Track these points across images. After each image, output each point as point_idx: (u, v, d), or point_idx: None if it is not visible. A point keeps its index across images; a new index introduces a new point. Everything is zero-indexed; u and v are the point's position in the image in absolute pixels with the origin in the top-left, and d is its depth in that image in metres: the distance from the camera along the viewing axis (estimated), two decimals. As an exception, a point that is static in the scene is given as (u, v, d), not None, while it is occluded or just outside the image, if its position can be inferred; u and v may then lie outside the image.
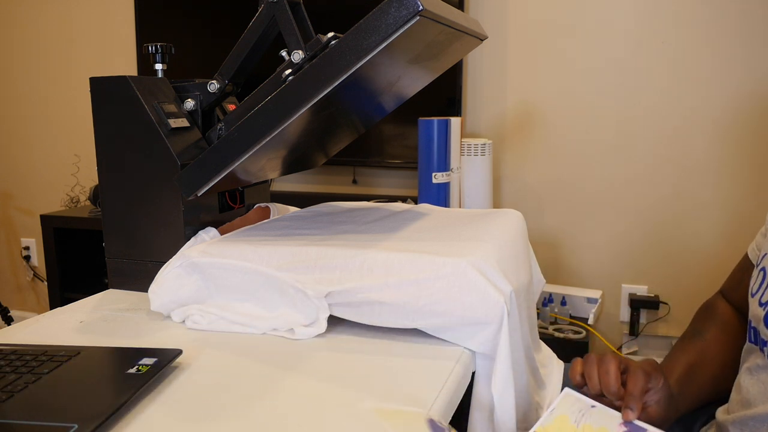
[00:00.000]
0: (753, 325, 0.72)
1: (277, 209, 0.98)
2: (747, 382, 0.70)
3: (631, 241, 1.84)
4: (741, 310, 0.84)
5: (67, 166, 2.36)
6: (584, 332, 1.62)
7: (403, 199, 1.73)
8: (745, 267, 0.84)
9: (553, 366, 0.85)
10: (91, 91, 0.82)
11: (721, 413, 0.75)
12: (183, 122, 0.84)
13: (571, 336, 1.60)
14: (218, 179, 0.71)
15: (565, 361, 0.89)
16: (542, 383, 0.79)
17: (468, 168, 1.58)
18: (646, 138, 1.78)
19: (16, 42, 2.47)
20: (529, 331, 0.75)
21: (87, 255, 2.08)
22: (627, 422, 0.62)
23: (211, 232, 0.82)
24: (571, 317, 1.72)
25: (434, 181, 1.38)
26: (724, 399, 0.78)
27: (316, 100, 0.65)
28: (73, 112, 2.42)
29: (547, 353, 0.87)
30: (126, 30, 2.25)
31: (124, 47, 2.28)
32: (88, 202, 2.18)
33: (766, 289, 0.71)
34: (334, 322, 0.68)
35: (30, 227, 2.57)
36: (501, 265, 0.66)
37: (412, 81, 0.86)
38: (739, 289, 0.84)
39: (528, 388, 0.70)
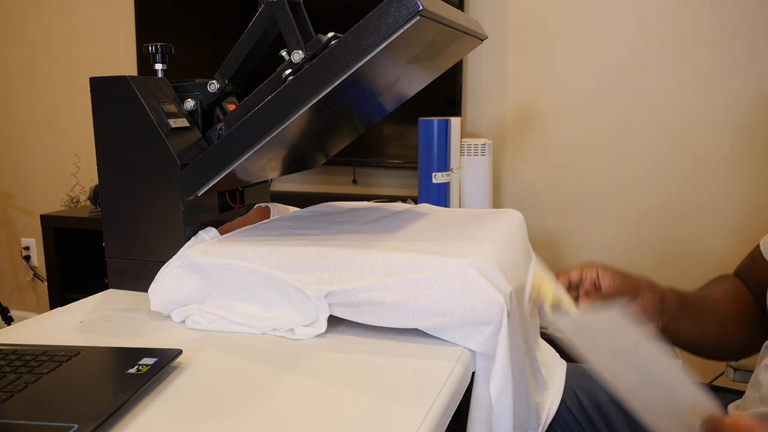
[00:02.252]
0: None
1: (277, 209, 0.98)
2: (766, 379, 0.70)
3: (631, 241, 1.84)
4: (751, 291, 0.86)
5: (67, 166, 2.35)
6: (584, 332, 1.61)
7: (403, 199, 1.73)
8: (754, 256, 0.85)
9: (555, 365, 0.85)
10: (91, 91, 0.82)
11: (734, 409, 0.75)
12: (183, 122, 0.84)
13: (571, 336, 1.59)
14: (218, 179, 0.71)
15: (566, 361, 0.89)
16: (543, 384, 0.79)
17: (468, 168, 1.58)
18: (646, 138, 1.78)
19: (16, 42, 2.47)
20: (530, 331, 0.75)
21: (87, 255, 2.08)
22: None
23: (211, 232, 0.82)
24: (571, 317, 1.71)
25: (434, 181, 1.38)
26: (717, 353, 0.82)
27: (316, 100, 0.65)
28: (73, 112, 2.42)
29: (549, 352, 0.87)
30: (126, 30, 2.25)
31: (124, 47, 2.28)
32: (88, 202, 2.17)
33: None
34: (334, 322, 0.68)
35: (30, 227, 2.57)
36: (501, 265, 0.66)
37: (412, 81, 0.86)
38: (749, 275, 0.86)
39: (527, 389, 0.70)
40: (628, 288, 0.75)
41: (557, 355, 0.88)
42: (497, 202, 1.95)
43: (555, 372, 0.84)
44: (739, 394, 0.83)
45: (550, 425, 0.83)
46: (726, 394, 0.85)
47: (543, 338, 0.89)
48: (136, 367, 0.55)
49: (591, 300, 0.72)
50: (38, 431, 0.45)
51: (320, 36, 0.79)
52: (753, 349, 0.81)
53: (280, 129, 0.67)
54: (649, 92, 1.76)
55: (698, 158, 1.74)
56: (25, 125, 2.52)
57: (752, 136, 1.69)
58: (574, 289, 0.77)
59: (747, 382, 1.07)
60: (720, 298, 0.85)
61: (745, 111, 1.69)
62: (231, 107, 0.93)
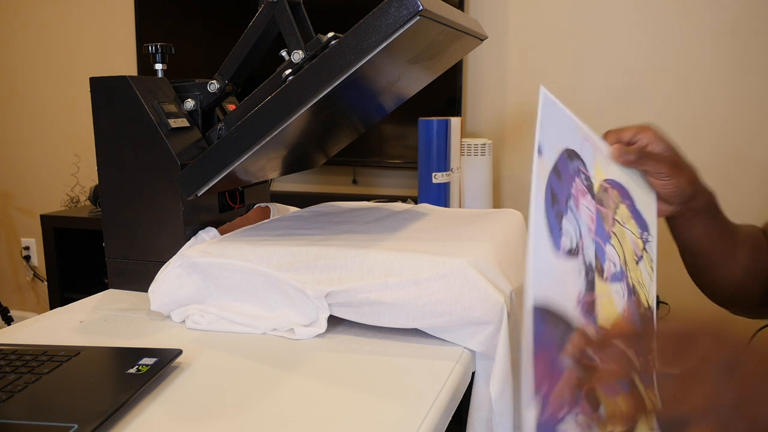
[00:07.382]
0: None
1: (277, 209, 0.98)
2: None
3: (631, 241, 1.84)
4: None
5: (67, 166, 2.35)
6: (584, 332, 1.61)
7: (403, 199, 1.72)
8: None
9: None
10: (91, 91, 0.82)
11: None
12: (183, 122, 0.84)
13: (571, 336, 1.59)
14: (218, 179, 0.71)
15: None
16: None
17: (468, 168, 1.58)
18: (646, 138, 1.78)
19: (16, 42, 2.47)
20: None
21: (87, 255, 2.08)
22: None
23: (211, 232, 0.82)
24: (571, 317, 1.71)
25: (434, 181, 1.38)
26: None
27: (316, 100, 0.65)
28: (73, 112, 2.42)
29: None
30: (126, 30, 2.25)
31: (124, 47, 2.28)
32: (88, 202, 2.17)
33: None
34: (334, 322, 0.68)
35: (30, 227, 2.57)
36: (501, 265, 0.66)
37: (412, 81, 0.86)
38: None
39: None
40: (672, 161, 0.73)
41: None
42: (497, 202, 1.95)
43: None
44: None
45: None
46: None
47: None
48: (136, 367, 0.55)
49: (632, 152, 0.70)
50: (38, 431, 0.45)
51: (320, 36, 0.79)
52: (748, 293, 0.79)
53: (280, 129, 0.67)
54: (649, 92, 1.76)
55: (698, 157, 1.74)
56: (25, 125, 2.52)
57: (754, 137, 1.69)
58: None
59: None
60: (746, 229, 0.84)
61: (747, 111, 1.69)
62: (231, 107, 0.93)
